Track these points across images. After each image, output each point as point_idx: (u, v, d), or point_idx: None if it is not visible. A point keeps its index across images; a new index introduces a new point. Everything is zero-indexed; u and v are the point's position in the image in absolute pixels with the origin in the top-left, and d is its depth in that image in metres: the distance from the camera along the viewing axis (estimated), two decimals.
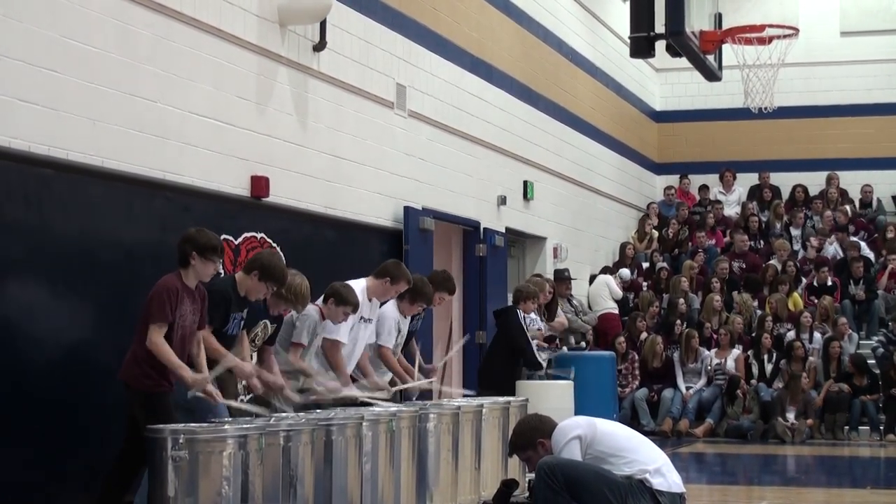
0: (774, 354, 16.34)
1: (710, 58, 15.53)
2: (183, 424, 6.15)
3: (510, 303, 12.62)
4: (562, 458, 6.87)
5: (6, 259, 7.29)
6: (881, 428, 15.67)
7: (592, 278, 18.12)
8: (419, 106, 12.74)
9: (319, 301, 8.37)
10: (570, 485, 6.73)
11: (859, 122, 21.52)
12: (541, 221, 16.45)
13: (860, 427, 15.80)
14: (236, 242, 9.46)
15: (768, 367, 16.31)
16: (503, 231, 14.84)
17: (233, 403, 6.95)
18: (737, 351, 16.58)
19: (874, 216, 20.67)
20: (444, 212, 13.22)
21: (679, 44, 14.23)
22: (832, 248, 19.37)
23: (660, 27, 14.23)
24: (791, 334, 16.75)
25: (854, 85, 21.60)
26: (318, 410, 7.53)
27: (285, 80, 10.30)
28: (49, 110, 7.59)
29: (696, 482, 10.94)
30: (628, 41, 15.02)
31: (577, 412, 10.46)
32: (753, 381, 16.20)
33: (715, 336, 16.92)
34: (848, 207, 20.39)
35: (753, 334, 16.92)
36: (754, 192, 21.34)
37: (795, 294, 17.90)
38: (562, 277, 15.56)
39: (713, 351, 16.63)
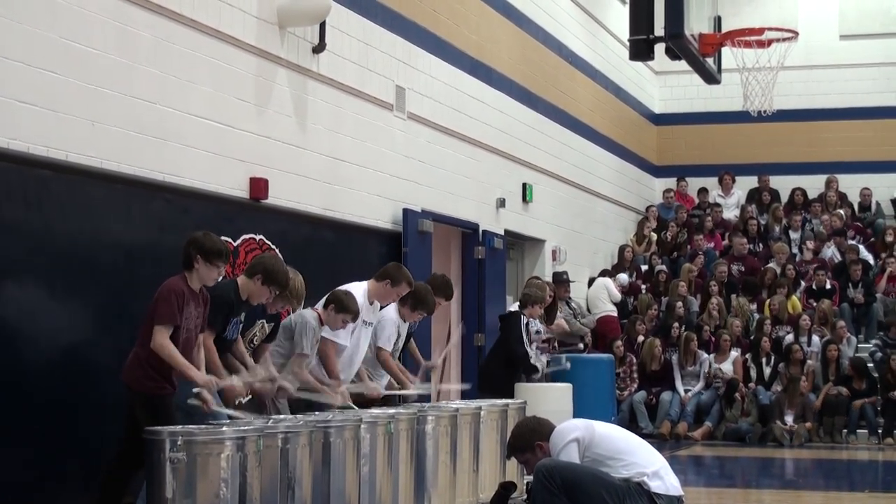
0: (773, 358, 16.34)
1: (710, 61, 15.50)
2: (181, 426, 6.14)
3: (509, 305, 12.63)
4: (560, 461, 6.87)
5: (6, 260, 7.29)
6: (879, 431, 15.68)
7: (591, 281, 18.10)
8: (418, 108, 12.73)
9: (319, 306, 8.34)
10: (568, 487, 6.73)
11: (858, 125, 21.49)
12: (540, 224, 16.44)
13: (858, 430, 15.80)
14: (235, 244, 9.45)
15: (767, 371, 16.31)
16: (502, 233, 14.81)
17: (225, 410, 6.91)
18: (735, 354, 16.58)
19: (873, 219, 20.66)
20: (442, 214, 13.20)
21: (678, 47, 14.22)
22: (830, 252, 19.38)
23: (659, 30, 14.21)
24: (789, 337, 16.75)
25: (853, 88, 21.56)
26: (316, 413, 7.52)
27: (284, 82, 10.29)
28: (48, 111, 7.59)
29: (694, 485, 10.95)
30: (627, 44, 15.01)
31: (576, 415, 10.48)
32: (752, 385, 16.21)
33: (713, 339, 16.93)
34: (842, 211, 20.37)
35: (752, 337, 16.93)
36: (753, 196, 21.32)
37: (794, 297, 17.90)
38: (560, 280, 15.54)
39: (712, 354, 16.64)
